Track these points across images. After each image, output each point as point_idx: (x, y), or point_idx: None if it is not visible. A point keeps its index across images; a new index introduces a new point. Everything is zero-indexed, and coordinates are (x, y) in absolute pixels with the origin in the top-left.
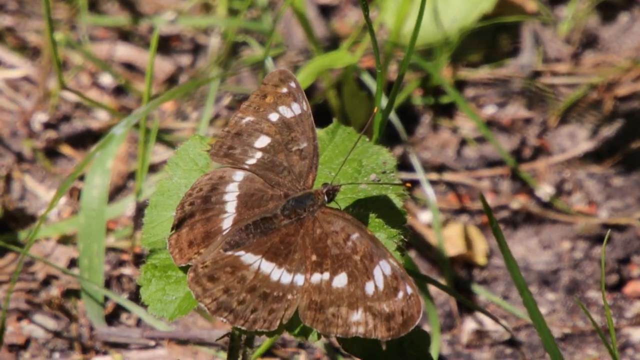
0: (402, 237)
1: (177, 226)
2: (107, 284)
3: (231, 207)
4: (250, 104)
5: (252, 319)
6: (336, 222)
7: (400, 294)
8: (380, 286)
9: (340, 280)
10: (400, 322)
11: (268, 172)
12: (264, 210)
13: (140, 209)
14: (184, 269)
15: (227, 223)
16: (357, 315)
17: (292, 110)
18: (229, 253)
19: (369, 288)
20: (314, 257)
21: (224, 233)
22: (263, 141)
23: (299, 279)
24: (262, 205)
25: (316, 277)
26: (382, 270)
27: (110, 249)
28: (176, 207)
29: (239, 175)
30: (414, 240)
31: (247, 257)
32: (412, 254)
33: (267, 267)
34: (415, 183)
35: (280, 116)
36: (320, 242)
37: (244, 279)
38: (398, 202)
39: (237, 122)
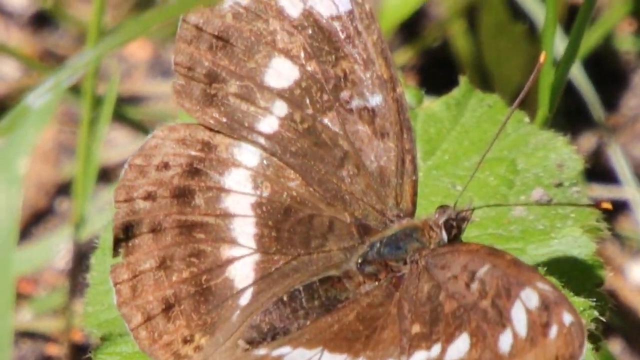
0: (595, 312)
1: (129, 250)
2: None
3: (244, 230)
4: None
5: None
6: (455, 262)
7: (554, 331)
8: (522, 332)
9: (459, 348)
10: None
11: (309, 160)
12: (324, 262)
13: (81, 256)
14: None
15: (244, 273)
16: None
17: None
18: (262, 353)
19: (505, 342)
20: (416, 329)
21: (243, 302)
22: (283, 71)
23: None
24: (312, 240)
25: (419, 357)
26: (525, 304)
27: (25, 335)
28: (114, 194)
29: (249, 152)
30: (618, 319)
31: (296, 355)
32: (615, 344)
33: None
34: (620, 206)
35: (306, 8)
36: (429, 303)
37: None
38: (587, 244)
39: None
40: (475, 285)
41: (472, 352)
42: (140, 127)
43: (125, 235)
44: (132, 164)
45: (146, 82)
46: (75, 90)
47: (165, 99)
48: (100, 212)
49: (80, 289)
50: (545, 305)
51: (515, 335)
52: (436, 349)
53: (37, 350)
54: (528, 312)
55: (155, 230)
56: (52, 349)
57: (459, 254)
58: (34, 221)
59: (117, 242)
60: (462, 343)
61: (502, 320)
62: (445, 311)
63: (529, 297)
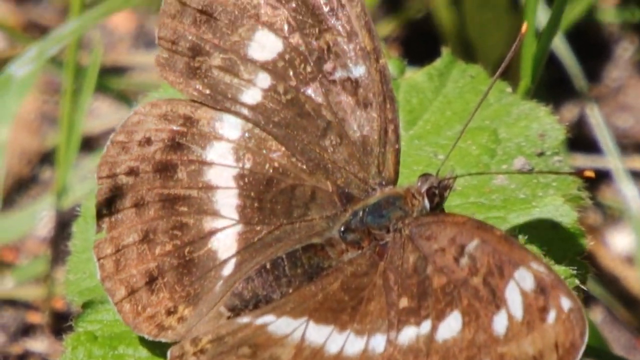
0: (576, 280)
1: (112, 225)
2: None
3: (226, 202)
4: None
5: None
6: (441, 234)
7: (552, 315)
8: (518, 314)
9: (451, 327)
10: None
11: (292, 131)
12: (307, 231)
13: (63, 224)
14: (149, 341)
15: (227, 244)
16: None
17: None
18: (245, 320)
19: (499, 324)
20: (403, 302)
21: (225, 272)
22: (266, 45)
23: (378, 343)
24: (294, 210)
25: (409, 333)
26: (520, 285)
27: (7, 302)
28: (97, 170)
29: (231, 125)
30: (599, 288)
31: (281, 325)
32: (596, 313)
33: (318, 334)
34: (602, 175)
35: None
36: (416, 275)
37: None
38: (568, 213)
39: None
40: (464, 261)
41: (465, 332)
42: (123, 98)
43: (108, 210)
44: (114, 140)
45: (129, 53)
46: (59, 61)
47: (149, 70)
48: (82, 181)
49: (62, 257)
50: (542, 288)
51: (510, 317)
52: (426, 325)
53: (18, 318)
54: (523, 293)
55: (138, 204)
56: (34, 317)
57: (445, 225)
58: (17, 189)
59: (100, 218)
60: (453, 321)
61: (496, 300)
62: (434, 286)
63: (524, 278)
